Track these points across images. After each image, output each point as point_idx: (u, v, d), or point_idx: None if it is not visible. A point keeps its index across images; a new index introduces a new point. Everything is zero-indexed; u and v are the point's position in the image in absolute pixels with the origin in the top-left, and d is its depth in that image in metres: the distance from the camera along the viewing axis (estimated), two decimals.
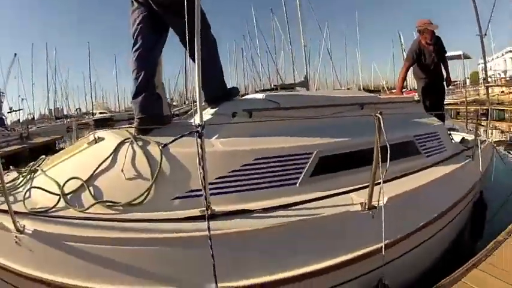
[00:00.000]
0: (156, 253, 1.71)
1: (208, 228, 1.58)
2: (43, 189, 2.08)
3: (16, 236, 1.71)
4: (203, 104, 2.78)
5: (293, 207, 2.02)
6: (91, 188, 1.96)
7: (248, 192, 2.12)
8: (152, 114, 2.46)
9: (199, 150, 1.68)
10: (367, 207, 2.05)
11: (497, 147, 12.10)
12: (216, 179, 2.05)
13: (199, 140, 1.67)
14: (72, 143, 3.50)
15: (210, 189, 1.88)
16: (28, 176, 2.42)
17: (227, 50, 40.44)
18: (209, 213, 1.71)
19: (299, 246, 1.89)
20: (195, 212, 1.82)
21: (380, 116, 1.94)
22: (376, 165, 2.00)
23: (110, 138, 2.32)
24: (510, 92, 29.94)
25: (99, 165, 2.06)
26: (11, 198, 1.90)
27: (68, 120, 32.88)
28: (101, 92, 55.15)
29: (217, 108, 2.66)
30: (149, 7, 2.53)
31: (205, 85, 2.61)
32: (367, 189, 2.06)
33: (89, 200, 1.93)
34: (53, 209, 1.91)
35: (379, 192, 1.99)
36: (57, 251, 1.67)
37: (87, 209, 1.88)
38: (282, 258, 1.83)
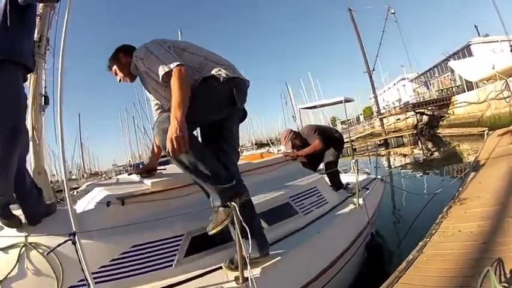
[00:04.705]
0: None
1: None
2: None
3: None
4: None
5: None
6: None
7: (129, 278, 2.30)
8: (39, 214, 2.44)
9: (78, 253, 1.93)
10: (240, 280, 2.26)
11: (403, 170, 13.53)
12: (99, 268, 2.23)
13: (75, 246, 1.93)
14: None
15: (96, 277, 2.09)
16: None
17: (119, 119, 39.68)
18: None
19: None
20: None
21: (235, 205, 2.18)
22: (240, 246, 2.20)
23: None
24: (406, 118, 33.69)
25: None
26: None
27: None
28: None
29: (95, 196, 2.73)
30: None
31: None
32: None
33: None
34: None
35: (249, 271, 2.18)
36: None
37: None
38: None
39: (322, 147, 4.82)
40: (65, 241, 2.04)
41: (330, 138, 5.09)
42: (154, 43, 2.39)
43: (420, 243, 3.32)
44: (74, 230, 1.95)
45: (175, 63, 2.20)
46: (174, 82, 2.16)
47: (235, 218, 2.18)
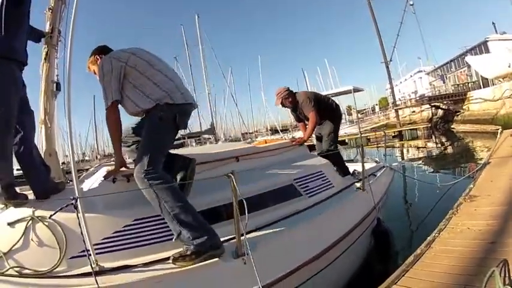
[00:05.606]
0: None
1: (96, 282, 1.88)
2: None
3: None
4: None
5: (169, 261, 2.26)
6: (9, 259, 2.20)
7: (131, 249, 2.38)
8: (47, 190, 2.60)
9: (79, 219, 2.00)
10: (237, 255, 2.32)
11: (416, 162, 13.45)
12: (102, 239, 2.32)
13: (76, 210, 1.98)
14: None
15: (98, 248, 2.20)
16: None
17: None
18: (97, 269, 2.04)
19: None
20: (88, 268, 2.06)
21: (232, 176, 2.22)
22: (237, 218, 2.25)
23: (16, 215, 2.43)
24: (421, 111, 33.30)
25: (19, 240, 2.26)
26: None
27: None
28: None
29: (102, 175, 2.80)
30: None
31: None
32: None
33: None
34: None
35: (245, 241, 2.25)
36: None
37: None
38: None
39: (318, 119, 4.77)
40: (67, 205, 2.10)
41: (326, 109, 5.00)
42: (108, 64, 2.54)
43: (429, 237, 3.34)
44: (77, 194, 2.01)
45: (107, 105, 2.52)
46: (106, 121, 2.57)
47: (232, 191, 2.22)
